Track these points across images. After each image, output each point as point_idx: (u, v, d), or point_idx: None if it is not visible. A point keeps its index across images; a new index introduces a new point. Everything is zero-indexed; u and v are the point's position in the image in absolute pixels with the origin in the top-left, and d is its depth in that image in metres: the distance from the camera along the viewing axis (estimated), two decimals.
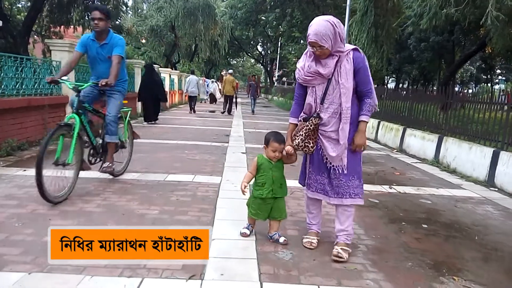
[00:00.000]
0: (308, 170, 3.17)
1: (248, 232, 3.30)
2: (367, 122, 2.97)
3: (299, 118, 3.12)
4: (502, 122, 6.13)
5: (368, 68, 2.93)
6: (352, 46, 2.90)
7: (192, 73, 19.15)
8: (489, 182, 5.86)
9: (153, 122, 11.55)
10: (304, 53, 3.02)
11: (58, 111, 8.03)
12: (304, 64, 2.97)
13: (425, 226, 3.93)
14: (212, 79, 26.32)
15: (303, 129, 2.96)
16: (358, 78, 2.87)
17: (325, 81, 2.88)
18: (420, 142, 8.08)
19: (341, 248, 2.98)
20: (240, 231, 3.30)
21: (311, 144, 2.96)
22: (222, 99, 17.94)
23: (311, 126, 2.94)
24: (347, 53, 2.82)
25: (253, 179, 3.25)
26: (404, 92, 11.23)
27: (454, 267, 3.01)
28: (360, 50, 2.93)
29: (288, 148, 3.06)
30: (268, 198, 3.14)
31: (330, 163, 2.99)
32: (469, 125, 6.95)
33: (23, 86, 6.92)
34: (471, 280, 2.79)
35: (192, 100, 16.64)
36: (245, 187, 3.15)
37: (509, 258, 3.32)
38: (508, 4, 5.22)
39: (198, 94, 17.99)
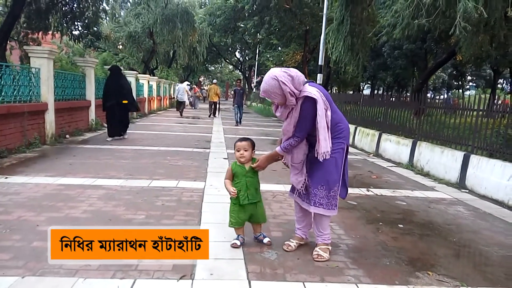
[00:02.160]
0: (291, 173, 3.32)
1: (238, 242, 3.25)
2: (278, 154, 3.19)
3: None
4: (472, 127, 6.46)
5: (310, 114, 2.96)
6: (307, 92, 2.95)
7: (181, 82, 22.55)
8: (461, 184, 6.17)
9: (119, 137, 9.43)
10: None
11: (37, 118, 7.98)
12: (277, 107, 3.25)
13: (401, 226, 4.14)
14: (178, 83, 24.15)
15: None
16: (297, 124, 3.04)
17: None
18: (395, 146, 8.39)
19: (319, 248, 3.16)
20: (230, 244, 3.26)
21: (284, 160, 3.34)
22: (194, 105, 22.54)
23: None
24: (299, 102, 2.97)
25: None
26: (379, 99, 11.59)
27: (428, 263, 3.22)
28: (313, 96, 2.94)
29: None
30: (246, 204, 3.20)
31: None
32: (441, 130, 7.27)
33: (2, 93, 6.86)
34: (444, 275, 3.00)
35: (181, 105, 19.59)
36: (235, 190, 3.18)
37: (478, 253, 3.56)
38: (474, 16, 5.57)
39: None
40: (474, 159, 6.00)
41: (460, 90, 52.79)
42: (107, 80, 9.62)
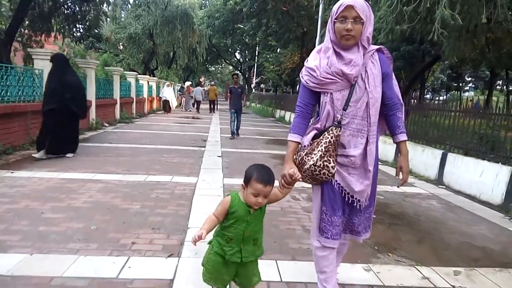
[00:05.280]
0: (321, 209, 2.36)
1: None
2: (406, 143, 2.41)
3: (308, 140, 2.30)
4: (450, 127, 6.85)
5: (394, 76, 2.38)
6: (376, 46, 2.29)
7: (197, 85, 27.62)
8: (439, 180, 6.56)
9: (53, 155, 6.74)
10: (317, 51, 2.33)
11: (39, 117, 8.34)
12: (319, 63, 2.23)
13: (374, 216, 4.52)
14: (168, 82, 23.32)
15: (321, 144, 2.21)
16: (385, 87, 2.28)
17: (346, 87, 2.20)
18: (382, 146, 8.75)
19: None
20: None
21: (332, 164, 2.22)
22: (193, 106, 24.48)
23: (331, 138, 2.20)
24: (372, 54, 2.23)
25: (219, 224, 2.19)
26: None
27: (391, 247, 3.60)
28: (386, 51, 2.35)
29: (294, 170, 2.16)
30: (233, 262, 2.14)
31: (352, 197, 2.31)
32: (422, 130, 7.66)
33: (8, 94, 7.26)
34: (403, 256, 3.39)
35: (199, 104, 23.30)
36: (201, 235, 2.01)
37: (439, 240, 3.94)
38: (450, 22, 5.95)
39: (202, 100, 24.32)
40: (451, 157, 6.39)
41: (459, 92, 53.18)
42: (49, 75, 6.94)
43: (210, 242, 2.20)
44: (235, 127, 11.46)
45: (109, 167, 6.32)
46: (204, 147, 9.16)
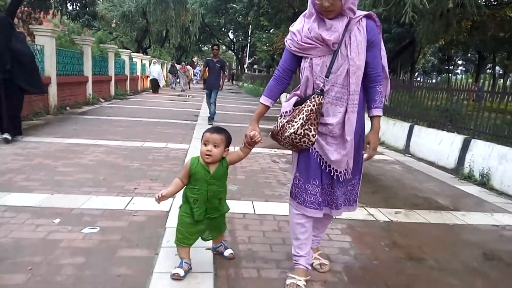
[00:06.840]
0: (295, 174, 2.37)
1: (182, 272, 2.33)
2: (379, 118, 2.27)
3: (290, 105, 2.29)
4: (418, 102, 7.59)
5: (383, 45, 2.26)
6: (365, 12, 2.20)
7: (189, 65, 30.26)
8: (406, 150, 7.32)
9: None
10: (302, 15, 2.29)
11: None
12: (302, 27, 2.22)
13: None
14: (154, 60, 22.00)
15: (303, 112, 2.18)
16: (369, 56, 2.18)
17: (328, 53, 2.16)
18: None
19: (318, 254, 2.65)
20: (171, 273, 2.35)
21: (313, 132, 2.19)
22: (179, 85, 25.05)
23: (313, 106, 2.16)
24: (359, 20, 2.14)
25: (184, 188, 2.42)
26: None
27: None
28: (376, 18, 2.24)
29: (254, 133, 2.30)
30: (200, 220, 2.37)
31: (330, 167, 2.26)
32: (396, 106, 8.41)
33: None
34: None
35: (191, 82, 27.20)
36: (161, 196, 2.31)
37: (391, 192, 4.69)
38: (419, 6, 6.59)
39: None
40: (416, 128, 7.14)
41: (450, 74, 53.99)
42: None
43: (180, 206, 2.44)
44: (211, 112, 9.71)
45: (109, 135, 6.97)
46: (196, 121, 9.82)
